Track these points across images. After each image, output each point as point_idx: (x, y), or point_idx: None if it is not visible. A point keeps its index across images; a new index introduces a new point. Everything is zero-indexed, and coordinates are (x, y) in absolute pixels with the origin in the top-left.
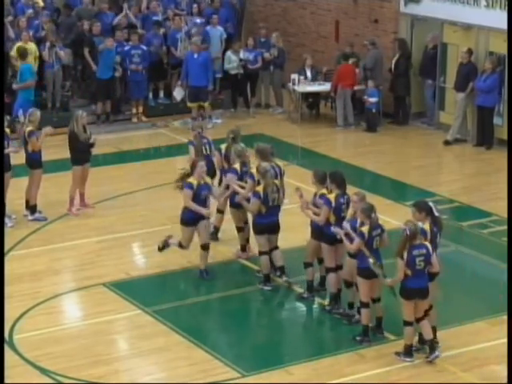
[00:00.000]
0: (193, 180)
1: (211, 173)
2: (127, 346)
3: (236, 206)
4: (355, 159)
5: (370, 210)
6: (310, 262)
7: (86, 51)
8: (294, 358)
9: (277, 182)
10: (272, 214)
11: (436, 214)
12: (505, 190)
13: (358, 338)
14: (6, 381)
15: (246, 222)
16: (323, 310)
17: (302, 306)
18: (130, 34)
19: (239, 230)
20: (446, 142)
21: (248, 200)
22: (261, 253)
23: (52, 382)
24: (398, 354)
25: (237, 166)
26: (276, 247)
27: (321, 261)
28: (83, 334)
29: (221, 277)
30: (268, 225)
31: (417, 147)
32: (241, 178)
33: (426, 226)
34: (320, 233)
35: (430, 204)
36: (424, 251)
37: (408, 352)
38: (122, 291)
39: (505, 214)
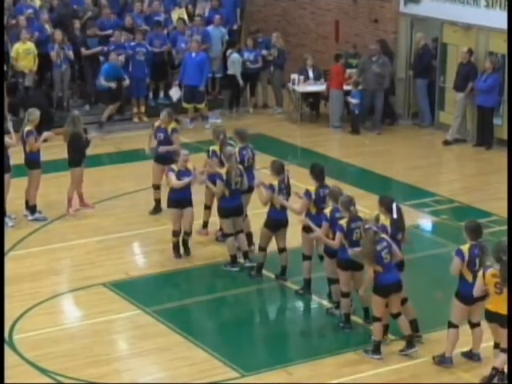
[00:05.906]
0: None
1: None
2: (127, 346)
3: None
4: (355, 159)
5: (349, 203)
6: (264, 247)
7: (83, 50)
8: (293, 358)
9: (240, 166)
10: (235, 198)
11: (394, 215)
12: (505, 190)
13: (340, 325)
14: (6, 381)
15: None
16: (296, 293)
17: (301, 306)
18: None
19: (206, 207)
20: (446, 142)
21: (214, 182)
22: (226, 235)
23: (52, 381)
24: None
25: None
26: (241, 231)
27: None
28: (83, 334)
29: (221, 277)
30: (232, 208)
31: (416, 147)
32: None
33: (387, 222)
34: (270, 222)
35: (393, 205)
36: (384, 244)
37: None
38: (122, 291)
39: (505, 214)
